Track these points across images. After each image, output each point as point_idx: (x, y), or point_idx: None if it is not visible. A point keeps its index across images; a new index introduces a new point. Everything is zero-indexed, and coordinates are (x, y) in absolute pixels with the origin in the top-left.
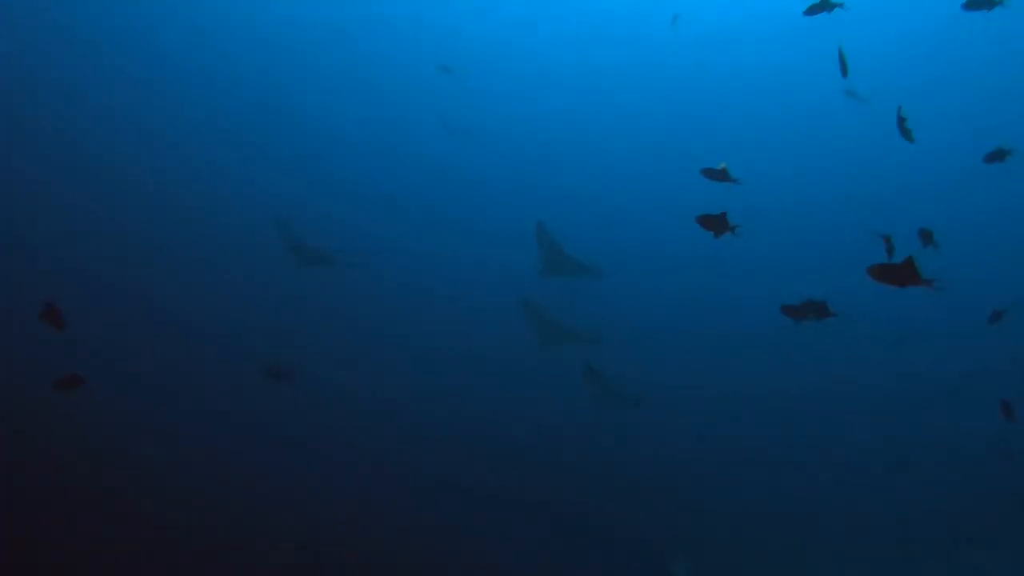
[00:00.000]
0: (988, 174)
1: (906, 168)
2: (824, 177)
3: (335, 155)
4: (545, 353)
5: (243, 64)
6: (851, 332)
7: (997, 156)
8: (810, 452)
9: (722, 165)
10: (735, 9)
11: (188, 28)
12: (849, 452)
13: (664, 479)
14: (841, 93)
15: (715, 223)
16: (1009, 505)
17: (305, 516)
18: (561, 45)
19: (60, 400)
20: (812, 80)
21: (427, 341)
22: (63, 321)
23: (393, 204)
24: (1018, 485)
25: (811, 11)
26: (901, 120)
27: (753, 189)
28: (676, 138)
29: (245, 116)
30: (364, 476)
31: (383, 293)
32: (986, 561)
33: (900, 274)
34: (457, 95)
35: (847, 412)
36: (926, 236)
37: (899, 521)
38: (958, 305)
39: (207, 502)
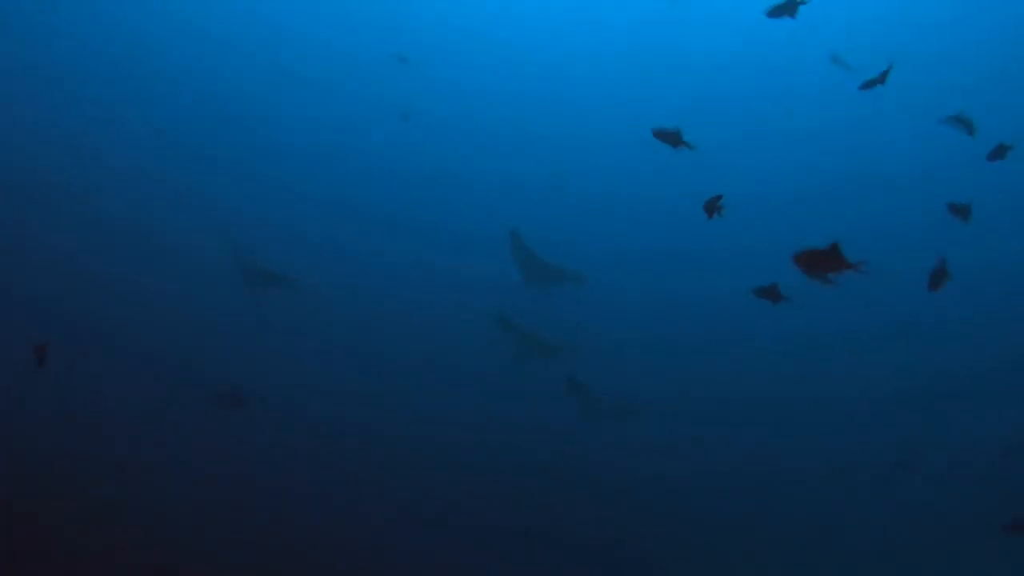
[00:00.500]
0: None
1: (912, 151)
2: (822, 169)
3: (284, 162)
4: (523, 367)
5: (170, 68)
6: (848, 325)
7: (998, 153)
8: (812, 457)
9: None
10: None
11: (109, 30)
12: (852, 455)
13: (660, 497)
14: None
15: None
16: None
17: (266, 551)
18: (533, 30)
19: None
20: (808, 75)
21: (394, 360)
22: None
23: (351, 212)
24: None
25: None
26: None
27: (749, 181)
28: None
29: (177, 123)
30: (328, 507)
31: (343, 311)
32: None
33: (826, 260)
34: (417, 88)
35: (847, 412)
36: (961, 211)
37: (904, 526)
38: (967, 293)
39: (160, 541)
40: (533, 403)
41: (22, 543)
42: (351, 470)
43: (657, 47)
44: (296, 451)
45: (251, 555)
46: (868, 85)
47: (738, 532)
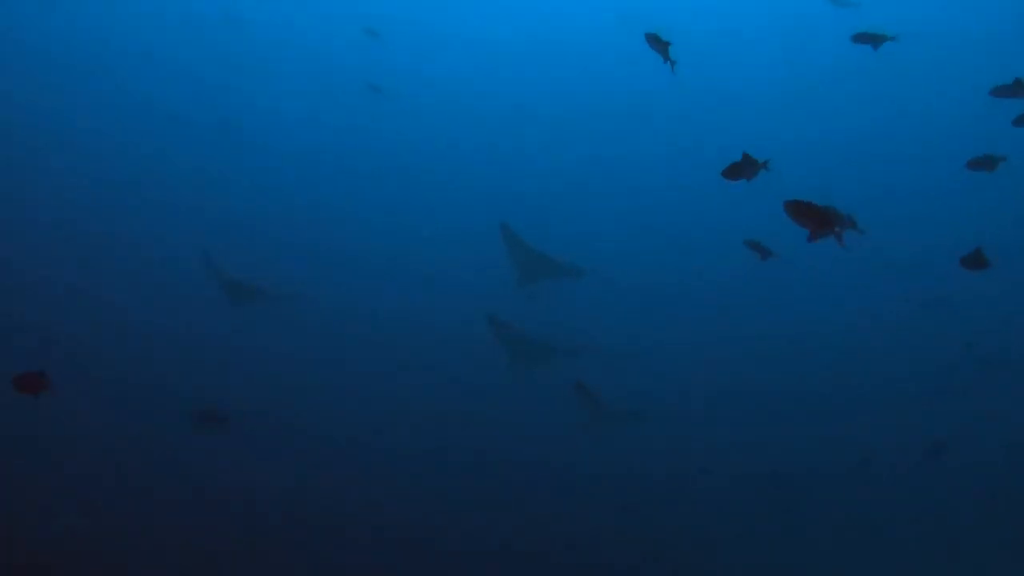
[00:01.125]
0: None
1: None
2: (831, 145)
3: (251, 157)
4: (519, 373)
5: (123, 61)
6: (868, 301)
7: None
8: (837, 451)
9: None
10: None
11: (52, 27)
12: (876, 447)
13: (681, 505)
14: None
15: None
16: None
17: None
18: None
19: None
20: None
21: (383, 369)
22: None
23: (325, 212)
24: None
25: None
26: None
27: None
28: (660, 110)
29: (135, 120)
30: (316, 535)
31: (323, 321)
32: None
33: (819, 213)
34: (389, 65)
35: (866, 402)
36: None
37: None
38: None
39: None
40: (533, 407)
41: None
42: (343, 485)
43: (651, 11)
44: (285, 464)
45: None
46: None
47: (763, 535)
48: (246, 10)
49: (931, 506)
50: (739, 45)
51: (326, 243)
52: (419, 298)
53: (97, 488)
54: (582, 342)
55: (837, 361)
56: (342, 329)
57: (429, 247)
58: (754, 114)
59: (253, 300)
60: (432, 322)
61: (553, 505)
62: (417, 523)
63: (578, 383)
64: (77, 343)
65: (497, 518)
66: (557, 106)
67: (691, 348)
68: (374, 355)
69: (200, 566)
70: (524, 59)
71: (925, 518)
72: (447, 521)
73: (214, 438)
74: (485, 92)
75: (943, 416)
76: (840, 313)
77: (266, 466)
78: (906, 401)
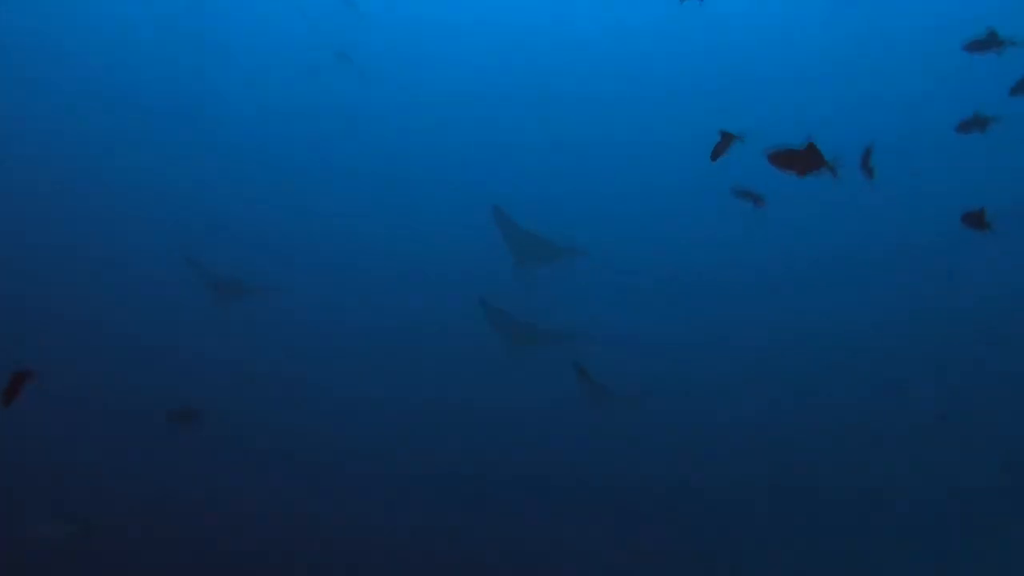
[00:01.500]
0: None
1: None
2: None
3: (224, 142)
4: (516, 359)
5: (76, 44)
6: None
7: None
8: (841, 428)
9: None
10: None
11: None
12: (885, 416)
13: (684, 488)
14: None
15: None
16: None
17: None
18: None
19: None
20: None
21: (374, 359)
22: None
23: (304, 199)
24: None
25: None
26: None
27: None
28: (656, 87)
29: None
30: (310, 511)
31: (309, 313)
32: None
33: (802, 159)
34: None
35: (872, 374)
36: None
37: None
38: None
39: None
40: (530, 394)
41: None
42: (334, 474)
43: None
44: (271, 458)
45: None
46: None
47: (769, 518)
48: None
49: (942, 478)
50: (734, 19)
51: (308, 231)
52: (409, 285)
53: (72, 492)
54: (580, 325)
55: (841, 341)
56: (328, 320)
57: (417, 232)
58: (754, 90)
59: (235, 296)
60: (424, 309)
61: (553, 493)
62: (413, 514)
63: (578, 367)
64: (51, 343)
65: (493, 509)
66: (550, 82)
67: (693, 331)
68: (363, 346)
69: (182, 568)
70: (513, 32)
71: (936, 490)
72: (443, 510)
73: (205, 437)
74: (473, 68)
75: (952, 384)
76: (843, 291)
77: (254, 460)
78: (913, 375)
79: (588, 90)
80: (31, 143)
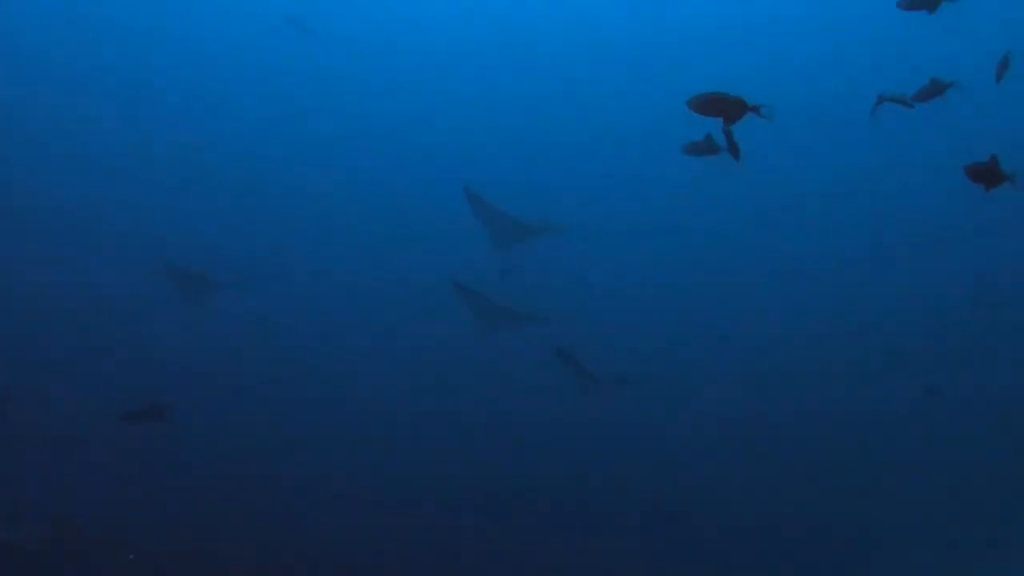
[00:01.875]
0: None
1: None
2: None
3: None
4: (493, 341)
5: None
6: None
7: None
8: (828, 407)
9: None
10: None
11: None
12: (875, 390)
13: (672, 467)
14: None
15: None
16: None
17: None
18: None
19: None
20: None
21: (352, 349)
22: None
23: (265, 179)
24: None
25: None
26: None
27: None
28: (633, 52)
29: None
30: (290, 503)
31: (280, 302)
32: None
33: (726, 105)
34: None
35: (864, 349)
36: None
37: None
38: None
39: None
40: (511, 376)
41: None
42: (313, 462)
43: None
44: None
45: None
46: None
47: (757, 495)
48: None
49: (932, 452)
50: None
51: (270, 214)
52: (380, 268)
53: (56, 490)
54: (559, 306)
55: (828, 317)
56: (300, 308)
57: (385, 212)
58: (730, 55)
59: (201, 288)
60: (396, 295)
61: (540, 467)
62: (394, 501)
63: (559, 350)
64: (23, 339)
65: (475, 504)
66: (519, 47)
67: (677, 310)
68: (337, 332)
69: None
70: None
71: (925, 464)
72: (425, 509)
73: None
74: (438, 33)
75: (942, 361)
76: (830, 263)
77: (237, 448)
78: (904, 351)
79: (561, 62)
80: None
